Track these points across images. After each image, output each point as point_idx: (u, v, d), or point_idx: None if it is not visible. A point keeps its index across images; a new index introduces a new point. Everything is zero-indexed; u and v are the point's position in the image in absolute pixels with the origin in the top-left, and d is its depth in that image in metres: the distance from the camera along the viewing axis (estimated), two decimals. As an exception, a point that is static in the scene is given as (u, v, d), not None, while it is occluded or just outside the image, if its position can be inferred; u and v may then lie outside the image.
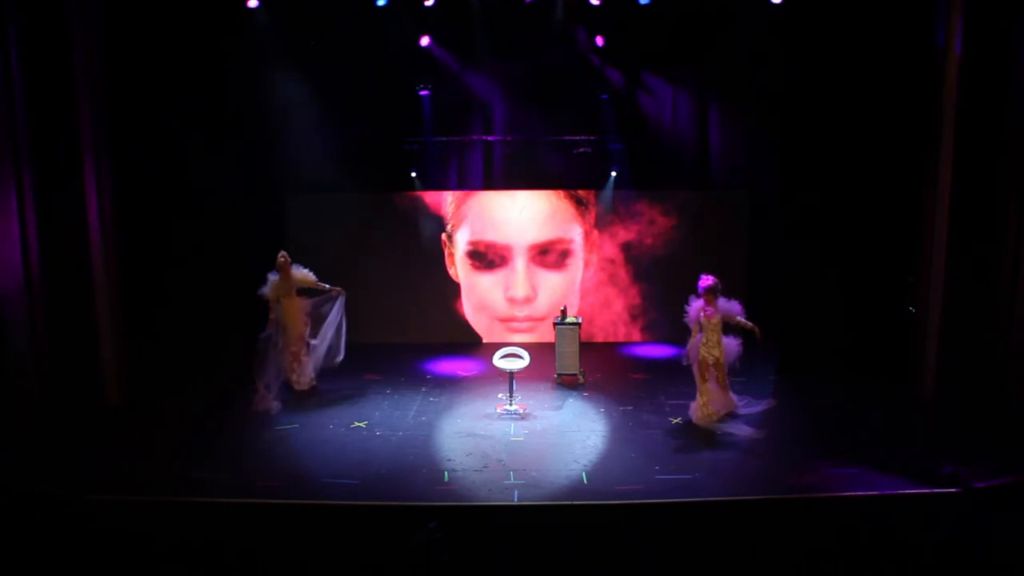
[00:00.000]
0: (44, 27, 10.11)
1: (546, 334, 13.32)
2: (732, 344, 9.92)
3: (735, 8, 12.34)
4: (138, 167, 11.77)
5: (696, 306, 9.92)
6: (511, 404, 10.48)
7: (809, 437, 9.61)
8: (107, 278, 10.71)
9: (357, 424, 10.11)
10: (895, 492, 8.06)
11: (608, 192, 13.66)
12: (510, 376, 10.51)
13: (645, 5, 12.19)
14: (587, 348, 12.31)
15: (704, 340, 9.85)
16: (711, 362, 9.82)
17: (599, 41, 12.83)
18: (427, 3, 12.29)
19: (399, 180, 13.65)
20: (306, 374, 11.15)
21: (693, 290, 9.92)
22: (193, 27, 11.90)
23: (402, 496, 8.06)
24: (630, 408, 10.66)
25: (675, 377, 11.49)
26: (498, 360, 10.60)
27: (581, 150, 13.48)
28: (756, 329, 9.77)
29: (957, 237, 10.52)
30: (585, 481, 8.51)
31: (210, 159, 12.50)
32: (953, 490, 7.94)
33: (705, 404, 9.90)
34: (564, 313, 11.80)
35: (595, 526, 7.70)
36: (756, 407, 10.08)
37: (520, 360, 10.54)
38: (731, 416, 9.91)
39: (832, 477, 8.40)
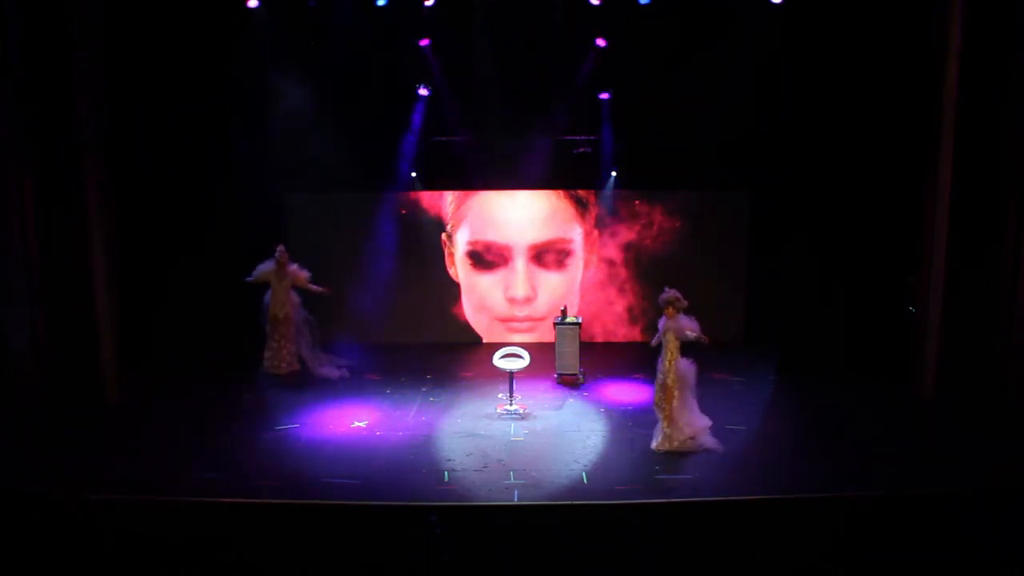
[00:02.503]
0: (44, 27, 10.11)
1: (546, 334, 13.33)
2: (684, 366, 9.18)
3: (735, 8, 12.34)
4: (138, 167, 11.78)
5: (662, 320, 9.40)
6: (511, 404, 10.48)
7: (809, 437, 9.61)
8: (107, 278, 10.71)
9: (357, 424, 10.12)
10: (894, 492, 8.06)
11: (608, 192, 13.66)
12: (510, 376, 10.51)
13: (645, 5, 12.19)
14: (587, 348, 12.31)
15: (662, 358, 9.31)
16: (660, 382, 9.26)
17: (600, 42, 12.83)
18: (427, 3, 12.29)
19: (399, 180, 13.66)
20: (285, 360, 11.90)
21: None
22: (193, 27, 11.90)
23: (402, 496, 8.06)
24: (630, 408, 10.66)
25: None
26: (498, 360, 10.60)
27: (581, 150, 13.49)
28: (703, 339, 9.14)
29: (957, 237, 10.52)
30: (585, 481, 8.51)
31: (210, 159, 12.51)
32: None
33: (666, 428, 9.19)
34: (564, 313, 11.80)
35: (595, 526, 7.70)
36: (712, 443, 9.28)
37: (520, 360, 10.54)
38: (693, 447, 9.14)
39: (832, 477, 8.40)
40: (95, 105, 10.39)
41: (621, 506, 7.88)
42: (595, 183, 13.65)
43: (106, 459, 8.95)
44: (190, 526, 7.73)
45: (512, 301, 13.84)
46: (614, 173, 13.55)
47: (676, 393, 9.17)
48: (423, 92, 13.18)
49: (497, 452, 9.21)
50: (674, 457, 9.06)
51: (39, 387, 10.44)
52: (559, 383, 11.61)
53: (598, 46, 12.86)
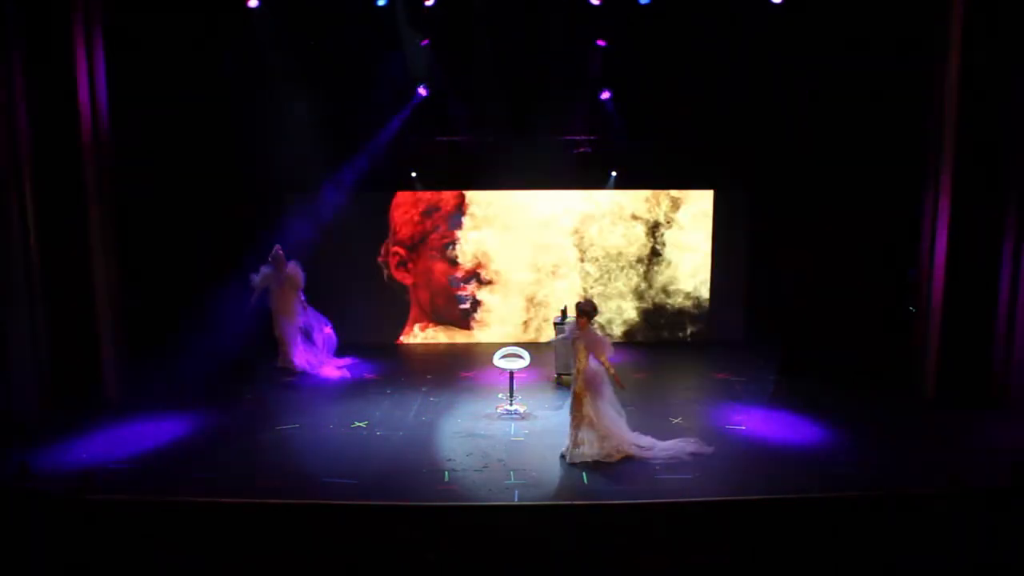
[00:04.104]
0: (45, 27, 10.11)
1: (546, 334, 13.33)
2: (590, 372, 8.79)
3: (735, 8, 12.34)
4: (138, 167, 11.78)
5: (570, 326, 9.10)
6: (511, 404, 10.48)
7: (809, 437, 9.60)
8: (107, 278, 10.71)
9: (357, 424, 10.12)
10: (895, 492, 8.06)
11: (608, 192, 13.66)
12: (510, 376, 10.51)
13: (645, 5, 12.19)
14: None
15: (572, 365, 8.99)
16: (575, 390, 8.91)
17: (600, 42, 12.82)
18: (427, 3, 12.30)
19: (399, 180, 13.66)
20: (290, 359, 12.06)
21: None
22: (193, 27, 11.90)
23: (402, 496, 8.05)
24: (630, 408, 10.62)
25: (675, 377, 11.51)
26: (498, 360, 10.60)
27: (581, 150, 13.49)
28: (617, 380, 8.87)
29: (957, 237, 10.52)
30: (585, 481, 8.51)
31: (210, 159, 12.51)
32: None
33: (575, 439, 8.88)
34: (564, 313, 11.79)
35: (595, 526, 7.69)
36: (675, 450, 9.03)
37: (520, 360, 10.54)
38: (628, 458, 8.87)
39: (832, 477, 8.40)
40: (95, 105, 10.40)
41: (621, 506, 7.87)
42: (595, 183, 13.66)
43: (106, 459, 8.96)
44: (190, 526, 7.73)
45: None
46: (614, 173, 13.56)
47: (587, 401, 8.86)
48: (423, 92, 13.19)
49: (497, 452, 9.21)
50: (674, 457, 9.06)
51: (39, 387, 10.44)
52: (559, 383, 11.61)
53: (598, 46, 12.87)
